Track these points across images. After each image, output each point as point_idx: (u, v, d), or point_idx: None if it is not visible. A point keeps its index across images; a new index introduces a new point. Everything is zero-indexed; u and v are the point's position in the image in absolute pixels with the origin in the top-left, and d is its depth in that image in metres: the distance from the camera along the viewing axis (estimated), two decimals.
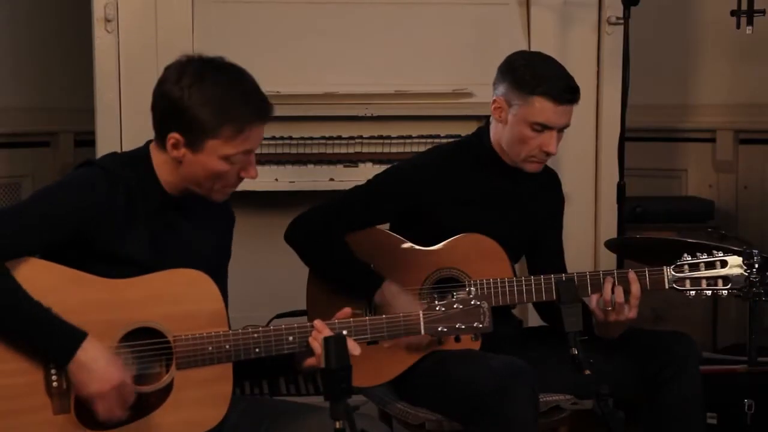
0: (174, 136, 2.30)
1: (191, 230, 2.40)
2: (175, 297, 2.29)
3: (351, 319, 2.38)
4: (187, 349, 2.27)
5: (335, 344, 2.11)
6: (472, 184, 2.93)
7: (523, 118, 2.83)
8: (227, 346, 2.29)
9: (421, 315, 2.39)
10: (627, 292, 2.76)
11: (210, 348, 2.28)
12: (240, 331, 2.31)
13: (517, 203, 2.97)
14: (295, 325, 2.34)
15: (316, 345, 2.32)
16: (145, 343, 2.28)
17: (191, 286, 2.30)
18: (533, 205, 3.00)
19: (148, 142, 2.40)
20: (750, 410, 3.44)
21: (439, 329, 2.39)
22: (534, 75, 2.82)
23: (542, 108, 2.81)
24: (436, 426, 2.80)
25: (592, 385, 2.37)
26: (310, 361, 2.36)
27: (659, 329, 3.05)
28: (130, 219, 2.31)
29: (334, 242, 2.86)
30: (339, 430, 2.06)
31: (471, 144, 2.99)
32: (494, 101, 2.89)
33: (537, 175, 2.99)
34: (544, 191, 3.05)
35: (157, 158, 2.35)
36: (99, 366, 2.18)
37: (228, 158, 2.30)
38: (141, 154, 2.38)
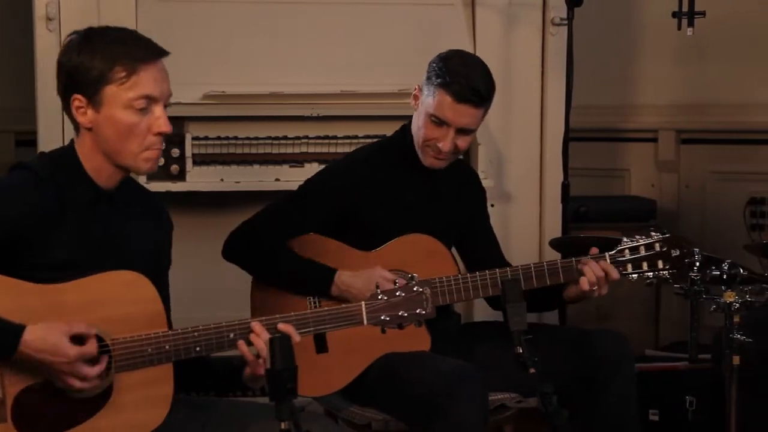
0: (76, 98, 2.27)
1: (127, 226, 2.36)
2: (111, 300, 2.26)
3: (293, 313, 2.36)
4: (126, 351, 2.25)
5: (280, 345, 2.11)
6: (398, 181, 2.94)
7: (425, 107, 2.86)
8: (167, 347, 2.27)
9: (363, 305, 2.37)
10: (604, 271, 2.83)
11: (149, 349, 2.26)
12: (179, 330, 2.29)
13: (438, 195, 2.99)
14: (236, 322, 2.32)
15: (245, 350, 2.28)
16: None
17: (128, 288, 2.28)
18: (455, 198, 3.02)
19: (72, 140, 2.37)
20: (691, 407, 3.49)
21: (382, 318, 2.37)
22: (445, 69, 2.83)
23: (441, 102, 2.83)
24: (382, 426, 2.81)
25: (537, 383, 2.39)
26: (247, 371, 2.33)
27: (596, 328, 3.08)
28: (62, 220, 2.27)
29: (275, 250, 2.85)
30: (284, 431, 2.05)
31: (395, 141, 3.01)
32: (414, 95, 2.92)
33: (456, 170, 3.01)
34: (465, 187, 3.08)
35: (81, 148, 2.32)
36: (49, 345, 2.14)
37: (130, 105, 2.25)
38: (66, 151, 2.34)
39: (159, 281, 2.35)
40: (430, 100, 2.85)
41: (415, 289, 2.37)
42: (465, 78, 2.83)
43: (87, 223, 2.30)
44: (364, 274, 2.80)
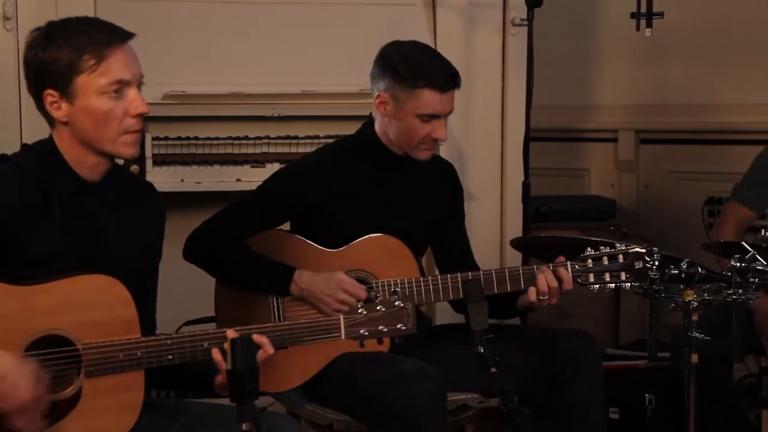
0: (49, 94, 2.25)
1: (114, 218, 2.33)
2: (85, 303, 2.23)
3: (269, 324, 2.35)
4: (97, 357, 2.22)
5: (242, 345, 2.10)
6: (363, 179, 2.95)
7: (411, 111, 2.86)
8: (138, 353, 2.24)
9: (341, 319, 2.35)
10: (560, 280, 2.83)
11: (121, 356, 2.23)
12: (152, 337, 2.27)
13: (412, 193, 2.99)
14: (210, 331, 2.31)
15: (219, 358, 2.24)
16: (52, 352, 2.22)
17: (102, 292, 2.25)
18: (431, 195, 3.02)
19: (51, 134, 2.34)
20: (650, 404, 3.52)
21: (361, 332, 2.35)
22: (415, 68, 2.85)
23: (429, 100, 2.85)
24: (344, 426, 2.81)
25: (498, 383, 2.40)
26: (219, 379, 2.30)
27: (563, 328, 3.10)
28: (47, 214, 2.24)
29: (235, 250, 2.85)
30: None
31: (357, 140, 3.01)
32: (377, 97, 2.91)
33: (432, 166, 3.02)
34: (442, 182, 3.08)
35: (61, 142, 2.29)
36: (8, 383, 2.09)
37: (104, 92, 2.24)
38: (47, 144, 2.31)
39: (148, 274, 2.33)
40: (412, 102, 2.85)
41: (396, 303, 2.35)
42: (439, 68, 2.88)
43: (72, 216, 2.28)
44: (325, 276, 2.80)
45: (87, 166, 2.30)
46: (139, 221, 2.38)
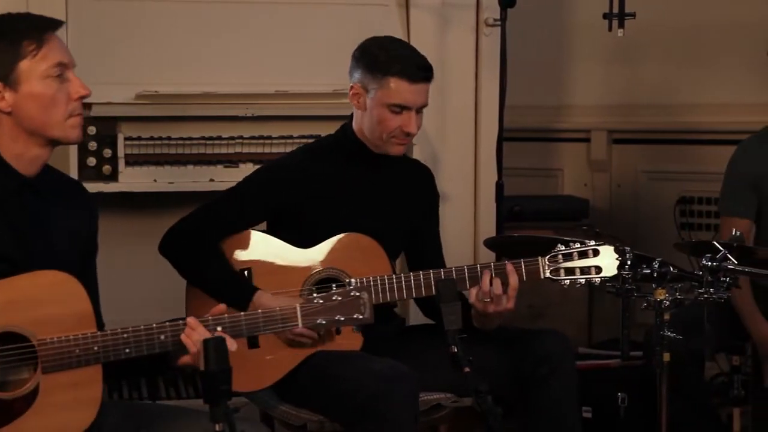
0: None
1: (53, 214, 2.34)
2: (39, 300, 2.23)
3: (225, 315, 2.35)
4: (53, 352, 2.22)
5: (214, 346, 2.10)
6: (341, 178, 2.95)
7: (381, 100, 2.87)
8: (95, 348, 2.25)
9: (298, 307, 2.36)
10: (505, 284, 2.81)
11: (77, 350, 2.23)
12: (108, 332, 2.27)
13: (389, 194, 2.99)
14: (167, 324, 2.31)
15: (189, 342, 2.27)
16: (7, 349, 2.21)
17: (56, 288, 2.25)
18: (407, 198, 3.03)
19: None
20: (623, 403, 3.53)
21: (318, 321, 2.35)
22: (386, 57, 2.87)
23: (398, 88, 2.85)
24: (318, 427, 2.81)
25: (472, 382, 2.40)
26: (185, 359, 2.31)
27: (536, 327, 3.11)
28: None
29: (208, 253, 2.84)
30: None
31: (336, 139, 3.01)
32: (351, 88, 2.92)
33: (410, 168, 3.02)
34: (419, 185, 3.08)
35: (1, 136, 2.29)
36: None
37: (48, 75, 2.26)
38: None
39: (87, 268, 2.34)
40: (382, 92, 2.86)
41: (352, 293, 2.35)
42: (410, 58, 2.89)
43: (14, 213, 2.27)
44: (284, 301, 2.79)
45: (26, 160, 2.31)
46: (74, 217, 2.40)
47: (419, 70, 2.88)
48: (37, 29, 2.28)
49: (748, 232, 3.49)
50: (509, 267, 2.81)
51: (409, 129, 2.89)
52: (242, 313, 2.37)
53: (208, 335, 2.25)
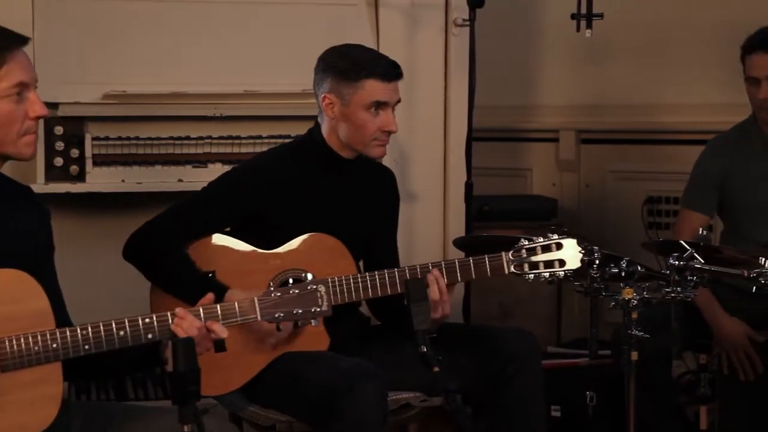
0: None
1: (6, 219, 2.32)
2: None
3: (186, 308, 2.34)
4: (11, 350, 2.21)
5: (183, 347, 2.09)
6: (309, 183, 2.94)
7: (359, 103, 2.88)
8: (54, 345, 2.24)
9: (256, 300, 2.36)
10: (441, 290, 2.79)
11: (36, 348, 2.22)
12: (67, 328, 2.26)
13: (355, 199, 2.99)
14: (126, 320, 2.30)
15: (180, 331, 2.28)
16: None
17: (12, 287, 2.24)
18: (371, 201, 3.03)
19: None
20: (592, 402, 3.56)
21: (276, 315, 2.36)
22: (355, 62, 2.88)
23: (373, 88, 2.88)
24: (287, 427, 2.81)
25: (441, 381, 2.41)
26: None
27: (503, 326, 3.12)
28: None
29: (174, 256, 2.83)
30: None
31: (304, 143, 3.01)
32: (324, 98, 2.92)
33: (374, 172, 3.04)
34: (381, 188, 3.09)
35: None
36: None
37: (6, 95, 2.25)
38: None
39: (46, 269, 2.32)
40: (358, 95, 2.87)
41: (309, 287, 2.36)
42: (378, 59, 2.93)
43: None
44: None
45: None
46: (29, 219, 2.39)
47: (390, 67, 2.91)
48: (1, 48, 2.26)
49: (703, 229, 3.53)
50: (430, 276, 2.79)
51: (390, 127, 2.91)
52: (200, 307, 2.36)
53: (198, 324, 2.28)
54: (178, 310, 2.31)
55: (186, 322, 2.29)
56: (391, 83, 2.90)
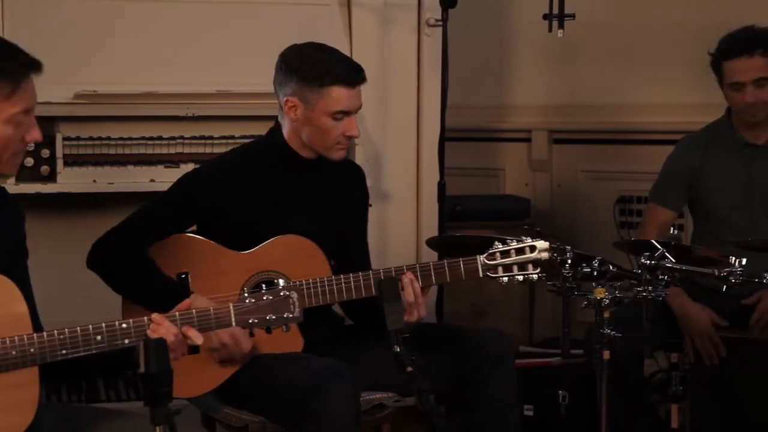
0: None
1: None
2: None
3: (163, 315, 2.33)
4: None
5: (155, 348, 2.08)
6: (272, 182, 2.93)
7: (324, 110, 2.86)
8: (32, 350, 2.22)
9: (231, 307, 2.36)
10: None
11: (13, 353, 2.21)
12: (45, 333, 2.24)
13: (321, 197, 2.99)
14: (103, 325, 2.28)
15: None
16: None
17: None
18: (340, 199, 3.03)
19: None
20: (564, 401, 3.57)
21: (250, 321, 2.36)
22: (319, 67, 2.85)
23: (339, 96, 2.85)
24: (259, 428, 2.80)
25: (414, 381, 2.41)
26: None
27: (478, 327, 3.13)
28: None
29: (136, 267, 2.80)
30: None
31: (265, 143, 3.00)
32: (287, 101, 2.90)
33: (342, 170, 3.03)
34: (350, 187, 3.08)
35: None
36: None
37: (12, 119, 2.24)
38: None
39: (19, 273, 2.31)
40: (324, 102, 2.85)
41: (282, 293, 2.37)
42: (344, 63, 2.90)
43: None
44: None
45: None
46: (3, 223, 2.37)
47: (355, 72, 2.88)
48: (17, 71, 2.24)
49: (669, 224, 3.56)
50: (405, 279, 2.78)
51: (353, 132, 2.90)
52: (177, 312, 2.35)
53: (174, 330, 2.27)
54: (155, 316, 2.30)
55: (162, 328, 2.28)
56: (355, 88, 2.88)
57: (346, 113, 2.88)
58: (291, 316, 2.37)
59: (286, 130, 2.94)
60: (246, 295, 2.37)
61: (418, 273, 2.83)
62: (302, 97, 2.87)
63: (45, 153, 3.47)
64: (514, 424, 2.94)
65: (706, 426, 3.50)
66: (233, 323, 2.37)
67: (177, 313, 2.33)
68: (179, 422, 2.12)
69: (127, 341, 2.29)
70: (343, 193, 3.04)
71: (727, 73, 3.47)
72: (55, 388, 3.66)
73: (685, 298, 3.43)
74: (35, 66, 2.28)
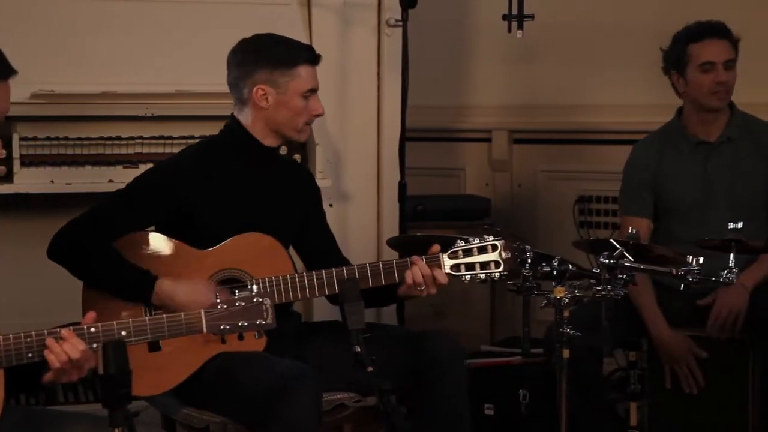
0: None
1: None
2: None
3: (130, 320, 2.32)
4: None
5: (114, 349, 2.07)
6: (233, 176, 2.95)
7: (295, 90, 2.92)
8: None
9: (203, 313, 2.35)
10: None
11: None
12: (11, 335, 2.22)
13: (279, 189, 3.02)
14: (71, 328, 2.26)
15: (52, 358, 2.21)
16: None
17: None
18: (295, 192, 3.06)
19: None
20: (524, 400, 3.58)
21: (222, 327, 2.36)
22: (285, 48, 2.93)
23: (307, 75, 2.93)
24: (221, 428, 2.79)
25: (375, 381, 2.41)
26: (47, 376, 2.25)
27: (427, 330, 3.15)
28: None
29: (99, 253, 2.79)
30: None
31: (225, 138, 3.01)
32: (257, 90, 2.91)
33: (293, 166, 3.14)
34: (303, 181, 3.13)
35: None
36: None
37: None
38: None
39: None
40: (295, 82, 2.91)
41: (255, 300, 2.36)
42: (300, 44, 2.98)
43: None
44: (187, 284, 2.76)
45: None
46: None
47: (313, 51, 2.98)
48: None
49: (647, 231, 3.57)
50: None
51: (319, 111, 2.98)
52: (147, 318, 2.34)
53: (81, 347, 2.21)
54: (64, 332, 2.24)
55: (68, 344, 2.22)
56: (315, 67, 2.97)
57: (314, 91, 2.94)
58: (264, 322, 2.37)
59: (248, 121, 2.96)
60: (218, 300, 2.36)
61: (381, 270, 2.86)
62: (272, 82, 2.90)
63: (1, 153, 3.43)
64: (465, 428, 2.95)
65: (665, 424, 3.53)
66: (204, 329, 2.36)
67: (115, 323, 2.30)
68: (138, 424, 2.11)
69: (30, 356, 2.24)
70: (296, 186, 3.08)
71: (695, 56, 3.49)
72: (13, 391, 3.62)
73: (663, 325, 3.45)
74: (9, 71, 2.32)
